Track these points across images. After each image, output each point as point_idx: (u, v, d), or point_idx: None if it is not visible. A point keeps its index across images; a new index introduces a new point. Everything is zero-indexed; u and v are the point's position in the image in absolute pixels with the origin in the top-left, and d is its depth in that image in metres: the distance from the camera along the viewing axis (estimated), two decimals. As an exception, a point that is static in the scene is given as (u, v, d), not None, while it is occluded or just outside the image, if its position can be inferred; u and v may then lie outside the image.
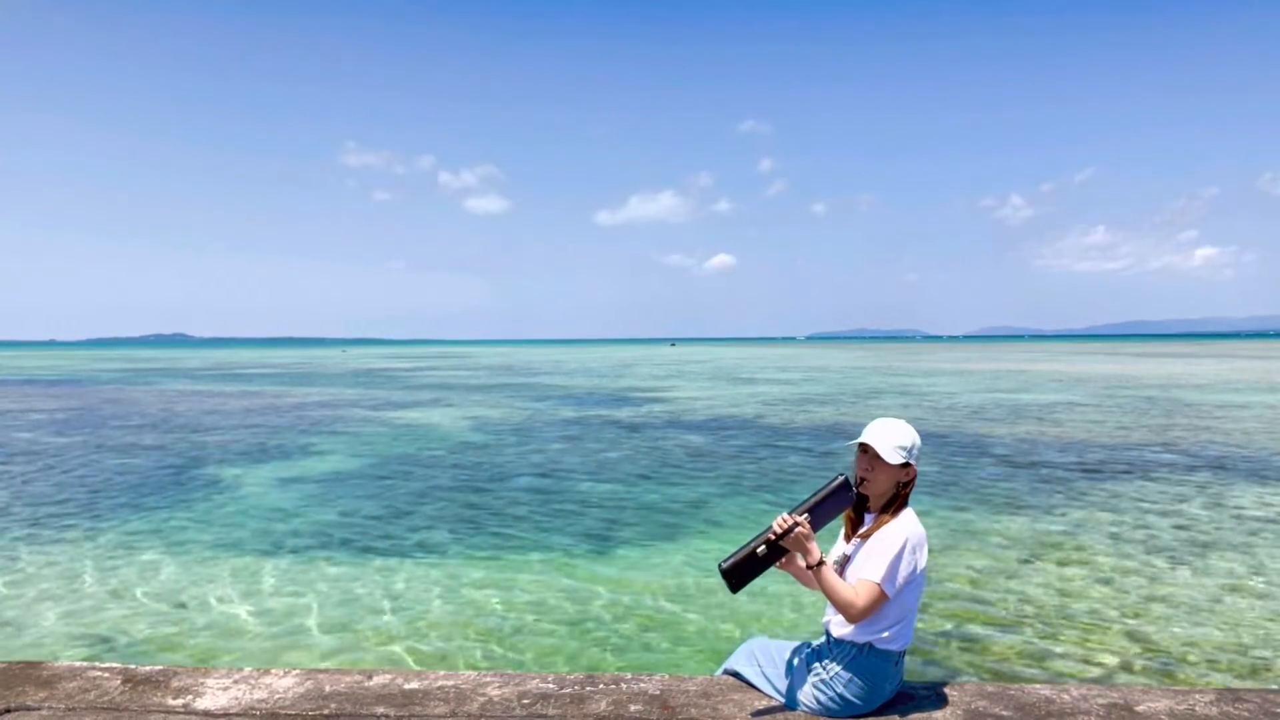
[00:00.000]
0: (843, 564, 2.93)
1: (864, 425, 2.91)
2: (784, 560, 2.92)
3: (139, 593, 6.85)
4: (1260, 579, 6.93)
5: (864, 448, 2.87)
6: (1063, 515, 9.39)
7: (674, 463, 13.60)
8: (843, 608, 2.78)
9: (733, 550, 2.89)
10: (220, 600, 6.66)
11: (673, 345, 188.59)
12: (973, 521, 9.13)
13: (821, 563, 2.79)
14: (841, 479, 2.85)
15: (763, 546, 2.81)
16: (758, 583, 2.90)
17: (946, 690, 3.08)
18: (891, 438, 2.83)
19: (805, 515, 2.79)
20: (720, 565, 2.85)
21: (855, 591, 2.77)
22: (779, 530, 2.79)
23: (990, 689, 3.12)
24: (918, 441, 2.88)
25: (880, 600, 2.76)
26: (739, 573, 2.83)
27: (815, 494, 2.85)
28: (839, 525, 3.06)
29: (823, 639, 3.02)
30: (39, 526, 9.23)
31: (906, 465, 2.84)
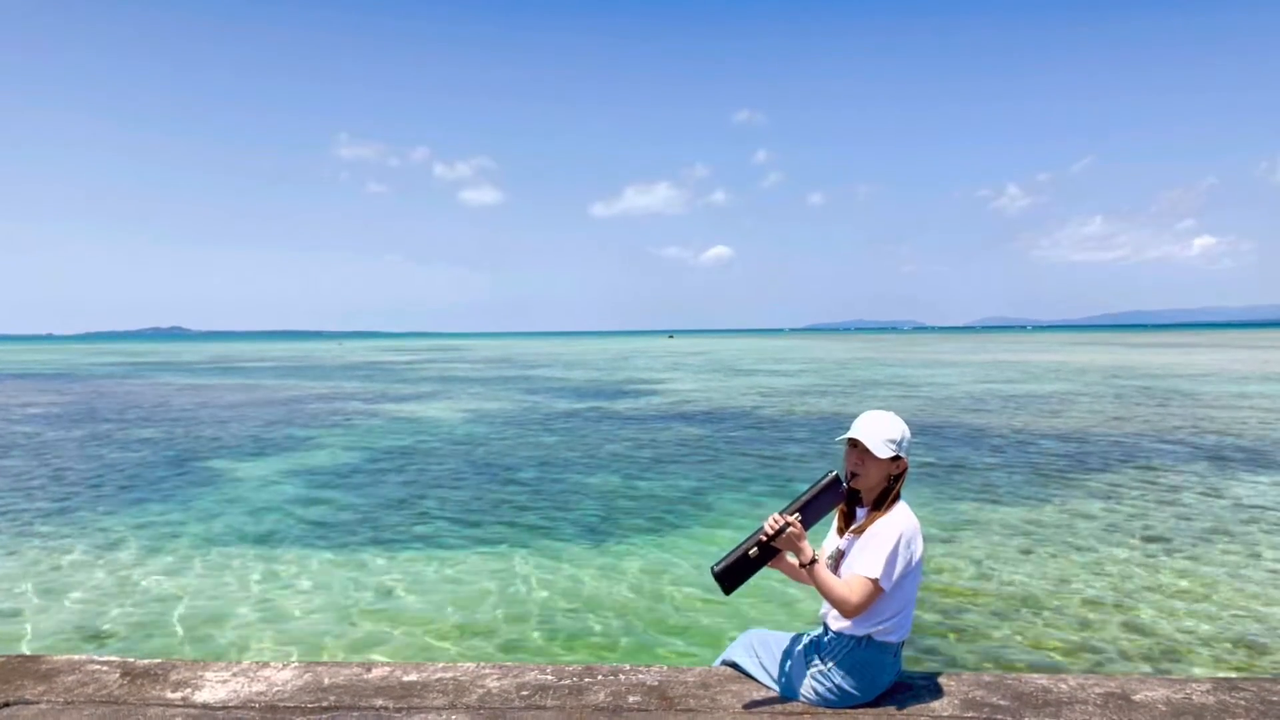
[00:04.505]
0: (837, 559, 2.92)
1: (858, 416, 2.90)
2: (776, 559, 2.92)
3: (137, 585, 6.86)
4: (1257, 568, 6.95)
5: (853, 442, 2.86)
6: (1060, 505, 9.42)
7: (672, 455, 13.60)
8: (837, 604, 2.77)
9: (725, 552, 2.89)
10: (218, 593, 6.67)
11: (670, 337, 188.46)
12: (970, 511, 9.15)
13: (814, 561, 2.79)
14: (832, 475, 2.84)
15: (754, 548, 2.81)
16: (756, 575, 2.91)
17: (944, 680, 3.09)
18: (880, 431, 2.81)
19: (796, 514, 2.79)
20: (713, 568, 2.85)
21: (849, 587, 2.76)
22: (770, 531, 2.78)
23: (987, 678, 3.13)
24: (907, 434, 2.86)
25: (875, 595, 2.75)
26: (732, 575, 2.83)
27: (806, 492, 2.84)
28: (831, 518, 3.06)
29: (821, 630, 3.02)
30: (36, 520, 9.22)
31: (897, 458, 2.83)
